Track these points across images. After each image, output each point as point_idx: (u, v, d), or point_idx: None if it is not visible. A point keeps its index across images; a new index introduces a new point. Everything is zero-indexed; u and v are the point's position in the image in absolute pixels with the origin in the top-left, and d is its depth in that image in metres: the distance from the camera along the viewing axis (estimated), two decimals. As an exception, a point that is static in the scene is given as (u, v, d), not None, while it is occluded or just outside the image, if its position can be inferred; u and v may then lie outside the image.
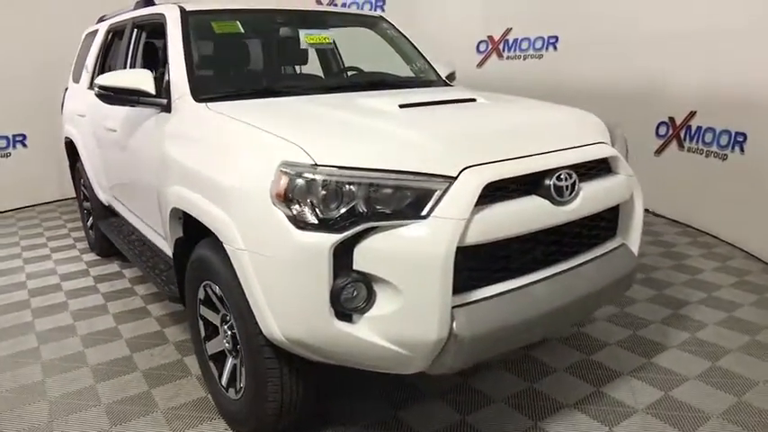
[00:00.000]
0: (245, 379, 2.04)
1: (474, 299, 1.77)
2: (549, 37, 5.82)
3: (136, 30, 3.30)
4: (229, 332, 2.18)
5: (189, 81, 2.48)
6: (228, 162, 1.94)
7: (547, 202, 1.86)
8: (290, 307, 1.72)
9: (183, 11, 2.77)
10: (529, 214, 1.81)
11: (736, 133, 4.13)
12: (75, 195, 5.72)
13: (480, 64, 6.47)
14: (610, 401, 2.40)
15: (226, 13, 2.87)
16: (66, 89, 4.71)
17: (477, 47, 6.46)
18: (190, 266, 2.29)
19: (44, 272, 4.10)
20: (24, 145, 6.05)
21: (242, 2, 3.10)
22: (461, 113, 2.17)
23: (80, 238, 4.86)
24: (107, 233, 3.85)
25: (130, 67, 3.25)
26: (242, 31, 2.82)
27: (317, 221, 1.66)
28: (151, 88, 2.49)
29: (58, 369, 2.76)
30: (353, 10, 3.42)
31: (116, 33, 3.83)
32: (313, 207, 1.66)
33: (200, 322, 2.35)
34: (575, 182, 1.93)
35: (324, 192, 1.66)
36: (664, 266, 3.85)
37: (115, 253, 4.18)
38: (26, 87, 5.83)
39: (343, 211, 1.66)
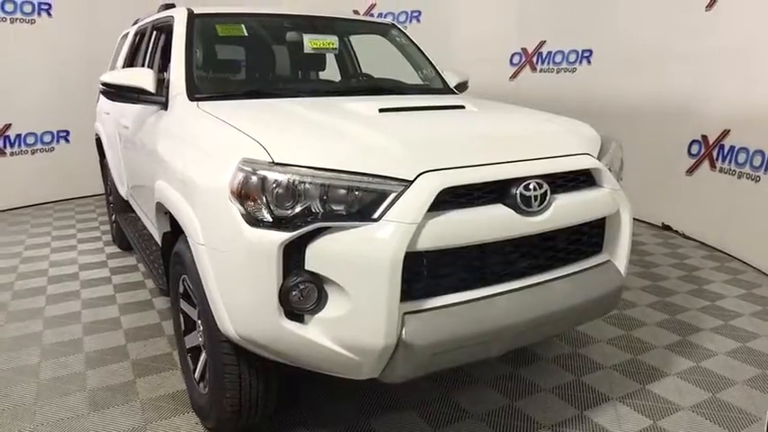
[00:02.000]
0: (209, 376, 2.06)
1: (429, 306, 1.73)
2: (584, 50, 5.68)
3: (155, 32, 3.42)
4: (202, 327, 2.21)
5: (186, 80, 2.55)
6: (198, 158, 1.97)
7: (512, 211, 1.80)
8: (241, 303, 1.73)
9: (190, 13, 2.85)
10: (488, 223, 1.76)
11: (770, 154, 3.89)
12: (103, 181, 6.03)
13: (513, 77, 6.38)
14: (590, 427, 2.28)
15: (233, 17, 2.94)
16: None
17: (511, 59, 6.37)
18: (171, 261, 2.34)
19: (66, 261, 4.28)
20: (67, 140, 6.37)
21: (260, 7, 3.15)
22: (439, 119, 2.13)
23: (107, 231, 5.06)
24: (123, 227, 3.99)
25: (147, 68, 3.37)
26: (245, 34, 2.88)
27: (271, 219, 1.66)
28: (151, 87, 2.57)
29: (54, 353, 2.87)
30: (365, 17, 3.42)
31: (142, 35, 3.98)
32: (267, 205, 1.67)
33: (181, 316, 2.40)
34: (545, 192, 1.86)
35: (278, 190, 1.66)
36: (682, 291, 3.65)
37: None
38: (71, 85, 6.14)
39: (297, 209, 1.66)
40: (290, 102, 2.43)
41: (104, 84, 2.61)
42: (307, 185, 1.66)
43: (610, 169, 2.14)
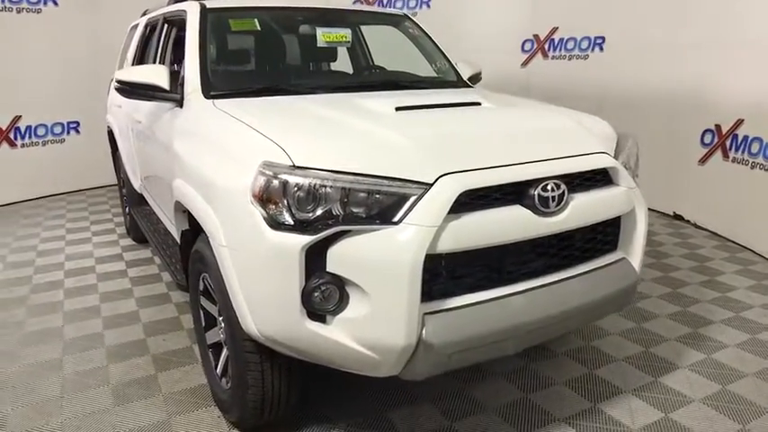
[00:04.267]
0: (232, 372, 2.10)
1: (448, 307, 1.76)
2: (596, 37, 5.63)
3: (166, 25, 3.43)
4: (223, 324, 2.25)
5: (201, 77, 2.57)
6: (219, 160, 1.99)
7: (530, 212, 1.82)
8: (264, 304, 1.76)
9: (203, 7, 2.85)
10: (508, 224, 1.78)
11: (784, 144, 3.88)
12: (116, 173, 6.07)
13: (525, 63, 6.34)
14: (604, 419, 2.32)
15: (245, 11, 2.94)
16: (112, 79, 4.94)
17: (523, 46, 6.33)
18: (191, 258, 2.37)
19: (82, 254, 4.34)
20: (78, 131, 6.41)
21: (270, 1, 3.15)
22: (455, 118, 2.14)
23: (121, 223, 5.12)
24: (138, 220, 4.03)
25: (159, 63, 3.38)
26: (259, 28, 2.88)
27: (292, 222, 1.69)
28: (165, 84, 2.58)
29: (76, 348, 2.93)
30: (378, 8, 3.41)
31: (152, 27, 3.98)
32: (289, 208, 1.69)
33: (201, 312, 2.44)
34: (563, 192, 1.87)
35: (299, 193, 1.68)
36: (693, 282, 3.67)
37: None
38: (80, 76, 6.17)
39: (318, 212, 1.68)
40: (305, 99, 2.45)
41: (119, 81, 2.63)
42: (327, 189, 1.68)
43: (626, 166, 2.15)
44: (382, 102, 2.24)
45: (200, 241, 2.24)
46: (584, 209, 1.94)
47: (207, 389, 2.52)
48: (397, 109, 2.17)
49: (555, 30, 6.04)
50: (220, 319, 2.27)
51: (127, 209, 4.66)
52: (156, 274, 3.94)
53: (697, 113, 4.69)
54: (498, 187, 1.78)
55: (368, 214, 1.68)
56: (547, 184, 1.84)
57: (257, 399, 2.02)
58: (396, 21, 3.42)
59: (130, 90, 2.62)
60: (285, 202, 1.69)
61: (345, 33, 2.99)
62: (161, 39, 3.41)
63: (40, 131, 6.11)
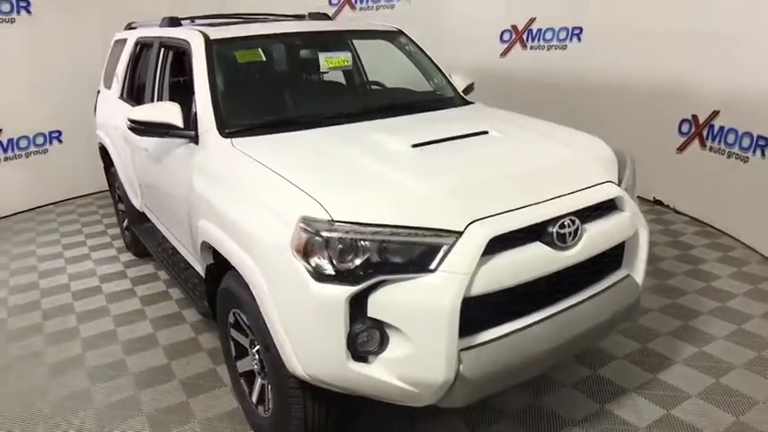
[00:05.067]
0: (273, 403, 2.24)
1: (479, 341, 1.92)
2: (574, 28, 5.77)
3: (163, 49, 3.44)
4: (257, 356, 2.37)
5: (215, 115, 2.63)
6: (253, 209, 2.08)
7: (549, 248, 1.97)
8: (310, 349, 1.89)
9: (207, 39, 2.89)
10: (531, 263, 1.93)
11: (758, 137, 4.11)
12: (109, 188, 6.03)
13: (504, 54, 6.45)
14: (613, 420, 2.53)
15: (247, 40, 2.98)
16: (99, 92, 4.90)
17: (501, 36, 6.43)
18: (220, 294, 2.48)
19: (85, 273, 4.37)
20: (60, 141, 6.31)
21: (269, 26, 3.17)
22: (470, 158, 2.25)
23: (116, 235, 5.13)
24: (141, 238, 4.08)
25: (158, 88, 3.41)
26: (263, 58, 2.94)
27: (333, 273, 1.81)
28: (179, 122, 2.64)
29: (102, 376, 3.02)
30: (373, 25, 3.47)
31: (144, 46, 3.97)
32: (330, 260, 1.81)
33: (231, 343, 2.55)
34: (578, 227, 2.03)
35: (340, 246, 1.80)
36: (679, 272, 3.91)
37: (150, 254, 4.43)
38: (59, 85, 6.06)
39: (357, 262, 1.81)
40: (320, 136, 2.52)
41: (132, 121, 2.67)
42: (366, 242, 1.80)
43: (627, 190, 2.31)
44: (398, 139, 2.35)
45: (230, 279, 2.34)
46: (595, 239, 2.10)
47: (239, 413, 2.65)
48: (414, 146, 2.29)
49: (533, 20, 6.15)
50: (254, 350, 2.40)
51: (125, 223, 4.68)
52: (164, 291, 4.01)
53: (674, 103, 4.89)
54: (521, 229, 1.92)
55: (404, 263, 1.82)
56: (564, 222, 1.99)
57: (300, 428, 2.16)
58: (391, 36, 3.49)
59: (144, 129, 2.67)
60: (326, 254, 1.81)
61: (346, 57, 3.08)
62: (158, 64, 3.42)
63: (23, 143, 6.01)
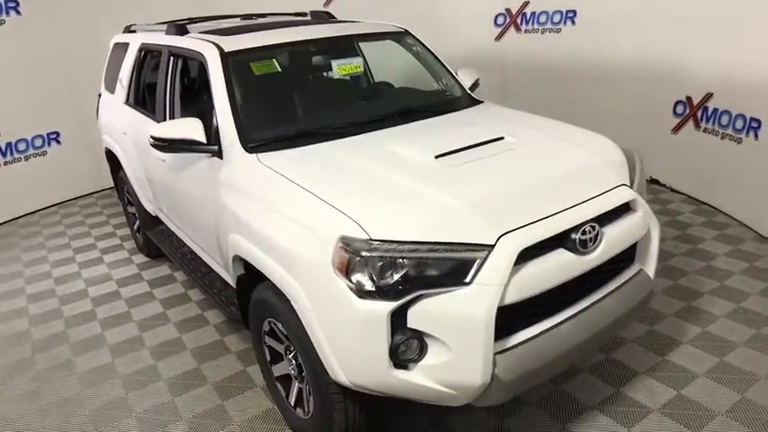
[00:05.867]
0: (314, 406, 2.37)
1: (511, 344, 2.06)
2: (568, 11, 5.82)
3: (172, 58, 3.47)
4: (294, 361, 2.49)
5: (237, 130, 2.69)
6: (290, 227, 2.18)
7: (572, 254, 2.10)
8: (355, 360, 2.01)
9: (222, 52, 2.93)
10: (557, 270, 2.06)
11: (751, 119, 4.24)
12: (111, 185, 5.95)
13: (498, 37, 6.49)
14: (629, 402, 2.70)
15: (262, 51, 3.03)
16: (100, 95, 4.90)
17: (495, 20, 6.46)
18: (253, 304, 2.59)
19: (100, 277, 4.44)
20: (59, 142, 6.31)
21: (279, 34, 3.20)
22: (491, 167, 2.34)
23: (125, 236, 5.19)
24: (157, 242, 4.16)
25: (169, 97, 3.45)
26: (279, 69, 2.99)
27: (373, 289, 1.92)
28: (202, 137, 2.71)
29: (135, 383, 3.13)
30: (380, 26, 3.52)
31: (149, 52, 3.99)
32: (370, 277, 1.92)
33: (266, 349, 2.67)
34: (597, 232, 2.16)
35: (380, 264, 1.91)
36: (679, 252, 4.08)
37: (164, 254, 4.50)
38: (53, 85, 6.05)
39: (396, 278, 1.92)
40: (344, 149, 2.59)
41: (156, 139, 2.73)
42: (404, 259, 1.91)
43: (639, 192, 2.44)
44: (421, 150, 2.44)
45: (264, 290, 2.45)
46: (613, 241, 2.23)
47: (275, 413, 2.79)
48: (437, 157, 2.38)
49: (526, 3, 6.19)
50: (290, 356, 2.52)
51: (135, 225, 4.75)
52: (183, 293, 4.11)
53: (669, 85, 5.00)
54: (547, 238, 2.04)
55: (441, 277, 1.93)
56: (585, 228, 2.12)
57: (341, 430, 2.30)
58: (397, 37, 3.55)
59: (168, 146, 2.73)
60: (367, 272, 1.92)
61: (358, 63, 3.14)
62: (169, 73, 3.45)
63: (21, 146, 6.00)
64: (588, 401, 2.73)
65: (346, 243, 1.95)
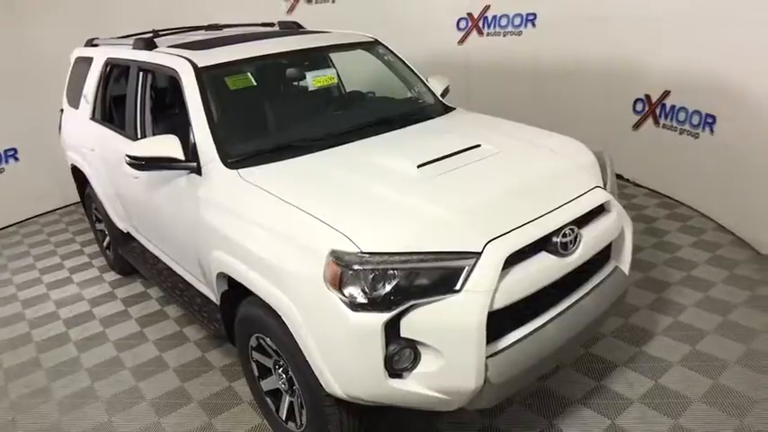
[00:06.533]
0: (307, 419, 2.37)
1: (500, 347, 2.11)
2: (528, 14, 5.96)
3: (142, 73, 3.41)
4: (284, 376, 2.50)
5: (216, 146, 2.68)
6: (277, 243, 2.18)
7: (554, 257, 2.17)
8: (349, 372, 2.03)
9: (196, 67, 2.90)
10: (541, 273, 2.13)
11: (707, 115, 4.44)
12: (75, 201, 6.03)
13: (461, 41, 6.60)
14: (611, 395, 2.80)
15: (236, 65, 3.01)
16: (62, 110, 4.77)
17: (458, 24, 6.56)
18: (240, 321, 2.58)
19: (71, 298, 4.32)
20: (16, 159, 6.09)
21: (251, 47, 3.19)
22: (472, 175, 2.40)
23: (94, 254, 5.06)
24: (130, 259, 4.07)
25: (140, 113, 3.39)
26: (254, 83, 2.98)
27: (366, 301, 1.95)
28: (180, 155, 2.68)
29: (120, 406, 3.06)
30: (351, 37, 3.55)
31: (115, 67, 3.91)
32: (362, 289, 1.95)
33: (254, 364, 2.67)
34: (576, 234, 2.24)
35: (372, 276, 1.94)
36: (647, 245, 4.24)
37: (136, 271, 4.42)
38: (8, 100, 5.82)
39: (387, 289, 1.95)
40: (324, 162, 2.60)
41: (132, 158, 2.69)
42: (395, 270, 1.95)
43: (612, 193, 2.54)
44: (403, 161, 2.47)
45: (251, 305, 2.45)
46: (591, 242, 2.32)
47: (265, 428, 2.79)
48: (419, 166, 2.43)
49: (487, 8, 6.31)
50: (279, 371, 2.52)
51: (105, 243, 4.64)
52: (159, 310, 4.04)
53: (628, 83, 5.19)
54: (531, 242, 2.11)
55: (431, 286, 1.97)
56: (565, 231, 2.19)
57: (337, 441, 2.32)
58: (368, 46, 3.58)
59: (145, 165, 2.70)
60: (359, 285, 1.94)
61: (332, 75, 3.16)
62: (138, 89, 3.39)
63: (-23, 166, 5.78)
64: (571, 396, 2.82)
65: (337, 257, 1.96)
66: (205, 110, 2.77)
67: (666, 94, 4.86)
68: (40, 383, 3.34)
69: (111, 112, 3.94)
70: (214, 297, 2.85)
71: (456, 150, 2.59)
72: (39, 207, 6.26)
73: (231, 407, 2.98)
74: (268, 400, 2.68)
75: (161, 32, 3.84)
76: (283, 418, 2.59)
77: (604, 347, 3.15)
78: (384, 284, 1.95)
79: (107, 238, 4.57)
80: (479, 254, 2.00)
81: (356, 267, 1.94)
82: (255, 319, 2.43)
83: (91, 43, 4.48)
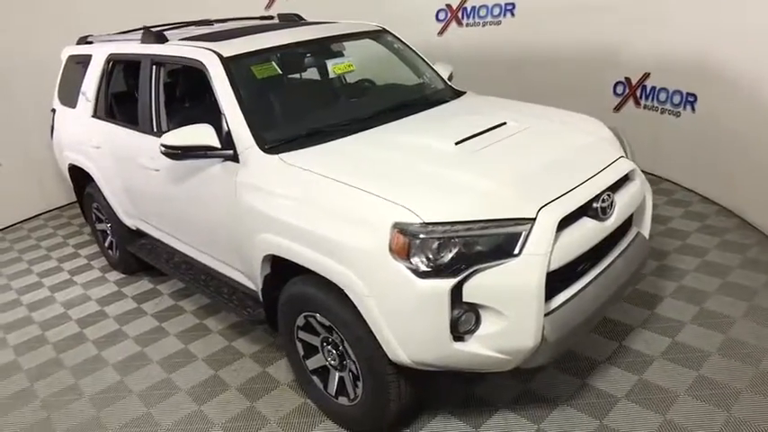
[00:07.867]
0: (364, 390, 2.46)
1: (554, 307, 2.26)
2: (507, 4, 6.16)
3: (155, 67, 3.40)
4: (334, 351, 2.57)
5: (251, 133, 2.72)
6: (334, 221, 2.25)
7: (595, 221, 2.34)
8: (417, 338, 2.14)
9: (222, 58, 2.93)
10: (587, 236, 2.29)
11: (688, 93, 4.73)
12: (59, 205, 6.16)
13: (441, 32, 6.74)
14: (595, 394, 2.74)
15: (259, 54, 3.06)
16: (54, 110, 4.67)
17: (437, 15, 6.70)
18: (286, 300, 2.64)
19: (78, 299, 4.25)
20: (-4, 164, 5.90)
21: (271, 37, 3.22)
22: (509, 149, 2.55)
23: (91, 255, 4.98)
24: (141, 255, 4.04)
25: (155, 108, 3.40)
26: (279, 72, 3.03)
27: (431, 269, 2.06)
28: (217, 142, 2.72)
29: (156, 398, 3.06)
30: (361, 27, 3.64)
31: (119, 63, 3.88)
32: (428, 257, 2.06)
33: (299, 344, 2.73)
34: (612, 200, 2.40)
35: (437, 244, 2.05)
36: (639, 219, 4.48)
37: (142, 269, 4.39)
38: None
39: (450, 256, 2.07)
40: (362, 143, 2.69)
41: (168, 147, 2.71)
42: (457, 239, 2.06)
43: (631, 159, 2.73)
44: (439, 139, 2.59)
45: (299, 284, 2.52)
46: (624, 207, 2.49)
47: (308, 407, 2.85)
48: (456, 143, 2.55)
49: (466, -2, 6.48)
50: (327, 347, 2.60)
51: (107, 242, 4.57)
52: (174, 305, 4.02)
53: (608, 68, 5.45)
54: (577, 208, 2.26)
55: (492, 252, 2.10)
56: (603, 197, 2.35)
57: (396, 409, 2.42)
58: (376, 35, 3.67)
59: (183, 154, 2.72)
60: (424, 253, 2.05)
61: (350, 62, 3.24)
62: (152, 83, 3.39)
63: (-47, 173, 5.57)
64: (557, 397, 2.75)
65: (402, 228, 2.06)
66: (237, 98, 2.80)
67: (646, 75, 5.14)
68: (67, 382, 3.30)
69: (118, 107, 3.90)
70: (251, 282, 2.89)
71: (486, 128, 2.72)
72: (22, 213, 6.07)
73: (270, 390, 3.03)
74: (314, 378, 2.75)
75: (151, 29, 3.78)
76: (333, 394, 2.67)
77: (586, 344, 3.08)
78: (448, 252, 2.06)
79: (108, 238, 4.51)
80: (533, 219, 2.13)
81: (422, 236, 2.04)
82: (306, 298, 2.50)
83: (85, 41, 4.40)
